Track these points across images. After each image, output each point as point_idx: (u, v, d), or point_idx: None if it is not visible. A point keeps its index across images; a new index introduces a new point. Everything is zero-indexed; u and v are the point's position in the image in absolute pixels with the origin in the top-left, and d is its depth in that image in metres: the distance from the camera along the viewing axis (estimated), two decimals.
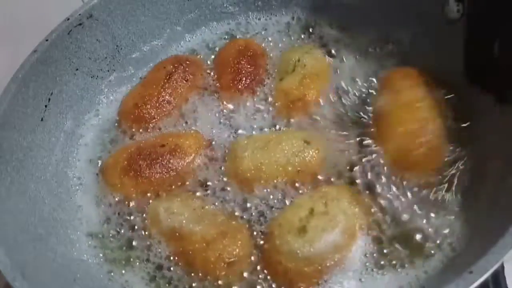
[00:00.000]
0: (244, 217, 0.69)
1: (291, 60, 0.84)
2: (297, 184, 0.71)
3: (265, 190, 0.71)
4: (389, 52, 0.85)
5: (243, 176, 0.71)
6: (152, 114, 0.81)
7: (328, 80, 0.82)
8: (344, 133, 0.76)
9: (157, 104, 0.81)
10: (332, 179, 0.71)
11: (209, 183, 0.73)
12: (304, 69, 0.81)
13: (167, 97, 0.82)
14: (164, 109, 0.81)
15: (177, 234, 0.67)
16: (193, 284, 0.65)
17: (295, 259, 0.62)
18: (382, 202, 0.68)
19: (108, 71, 0.87)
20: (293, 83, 0.80)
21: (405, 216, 0.67)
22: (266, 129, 0.79)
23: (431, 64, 0.77)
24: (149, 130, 0.81)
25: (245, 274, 0.65)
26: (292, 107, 0.79)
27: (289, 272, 0.62)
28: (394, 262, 0.64)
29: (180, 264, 0.66)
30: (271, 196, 0.70)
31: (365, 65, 0.84)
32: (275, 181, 0.70)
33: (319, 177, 0.71)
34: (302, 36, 0.91)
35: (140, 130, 0.81)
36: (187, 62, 0.86)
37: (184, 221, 0.67)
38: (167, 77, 0.84)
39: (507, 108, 0.67)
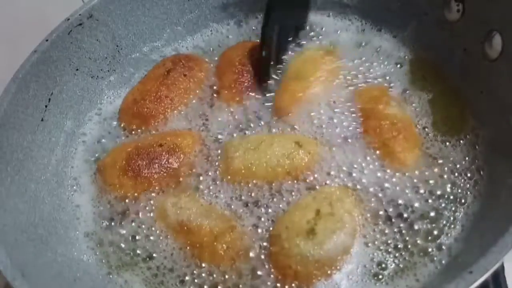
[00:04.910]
0: (241, 216, 0.69)
1: (300, 65, 0.84)
2: (289, 186, 0.70)
3: (257, 190, 0.71)
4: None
5: (234, 175, 0.72)
6: (151, 109, 0.81)
7: (331, 86, 0.81)
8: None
9: (155, 99, 0.82)
10: (324, 182, 0.71)
11: (206, 182, 0.73)
12: (313, 75, 0.81)
13: (165, 91, 0.82)
14: (163, 105, 0.82)
15: (186, 227, 0.67)
16: (195, 281, 0.65)
17: (306, 262, 0.61)
18: (377, 203, 0.68)
19: (108, 71, 0.87)
20: (295, 85, 0.80)
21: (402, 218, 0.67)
22: (263, 130, 0.78)
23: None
24: (149, 127, 0.81)
25: (251, 268, 0.65)
26: (287, 108, 0.79)
27: (299, 275, 0.62)
28: (392, 262, 0.64)
29: (185, 258, 0.67)
30: (264, 196, 0.70)
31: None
32: (266, 182, 0.71)
33: (310, 179, 0.71)
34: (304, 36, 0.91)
35: (141, 127, 0.81)
36: (187, 59, 0.87)
37: (192, 216, 0.68)
38: (166, 73, 0.84)
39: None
